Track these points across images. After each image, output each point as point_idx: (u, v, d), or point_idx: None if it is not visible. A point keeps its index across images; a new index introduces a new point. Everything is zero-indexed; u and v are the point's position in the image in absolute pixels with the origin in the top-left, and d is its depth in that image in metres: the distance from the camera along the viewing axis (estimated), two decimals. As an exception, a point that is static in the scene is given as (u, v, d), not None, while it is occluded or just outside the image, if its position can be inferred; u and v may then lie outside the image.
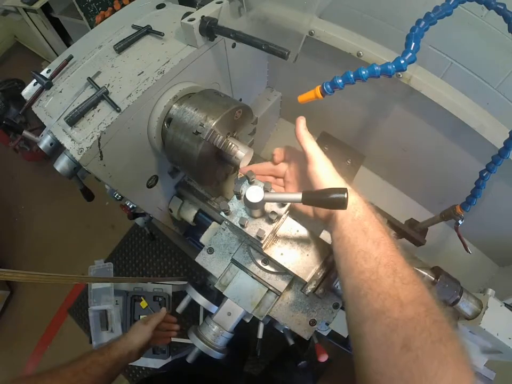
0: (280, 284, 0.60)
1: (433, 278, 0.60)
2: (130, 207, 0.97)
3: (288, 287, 0.62)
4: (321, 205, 0.42)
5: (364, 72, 0.50)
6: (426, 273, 0.61)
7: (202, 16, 0.65)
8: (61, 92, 0.69)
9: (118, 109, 0.60)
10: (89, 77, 0.66)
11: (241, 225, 0.48)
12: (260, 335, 0.71)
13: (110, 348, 0.71)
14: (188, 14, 0.68)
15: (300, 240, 0.56)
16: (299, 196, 0.43)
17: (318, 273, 0.54)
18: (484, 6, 0.57)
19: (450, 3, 0.56)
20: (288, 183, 0.55)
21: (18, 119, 1.91)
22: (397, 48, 0.67)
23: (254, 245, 0.60)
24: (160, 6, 0.83)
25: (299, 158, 0.53)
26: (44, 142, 0.67)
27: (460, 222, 0.77)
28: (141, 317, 1.30)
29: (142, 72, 0.65)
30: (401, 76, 0.78)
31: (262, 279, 0.61)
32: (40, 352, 1.93)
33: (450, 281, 0.60)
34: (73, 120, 0.61)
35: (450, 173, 0.99)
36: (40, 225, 2.32)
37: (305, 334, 0.62)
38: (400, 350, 0.33)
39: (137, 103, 0.62)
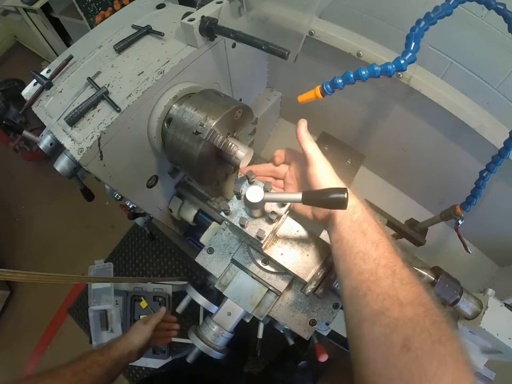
0: (280, 283, 0.60)
1: (433, 278, 0.60)
2: (130, 207, 0.97)
3: (288, 287, 0.62)
4: (321, 205, 0.42)
5: (363, 72, 0.50)
6: (426, 273, 0.61)
7: (202, 16, 0.65)
8: (61, 92, 0.69)
9: (118, 109, 0.60)
10: (89, 77, 0.66)
11: (241, 225, 0.48)
12: (259, 335, 0.71)
13: (110, 348, 0.70)
14: (188, 14, 0.68)
15: (299, 240, 0.56)
16: (299, 196, 0.43)
17: (318, 273, 0.54)
18: (484, 6, 0.57)
19: (450, 3, 0.56)
20: (288, 185, 0.55)
21: (18, 119, 1.91)
22: (397, 48, 0.67)
23: (254, 245, 0.60)
24: (160, 6, 0.83)
25: (299, 160, 0.53)
26: (44, 142, 0.67)
27: (460, 222, 0.77)
28: (141, 317, 1.30)
29: (142, 72, 0.65)
30: (401, 75, 0.78)
31: (262, 279, 0.61)
32: (40, 352, 1.93)
33: (450, 281, 0.60)
34: (73, 120, 0.61)
35: (450, 173, 0.99)
36: (40, 225, 2.32)
37: (305, 334, 0.62)
38: (400, 350, 0.33)
39: (137, 103, 0.62)
